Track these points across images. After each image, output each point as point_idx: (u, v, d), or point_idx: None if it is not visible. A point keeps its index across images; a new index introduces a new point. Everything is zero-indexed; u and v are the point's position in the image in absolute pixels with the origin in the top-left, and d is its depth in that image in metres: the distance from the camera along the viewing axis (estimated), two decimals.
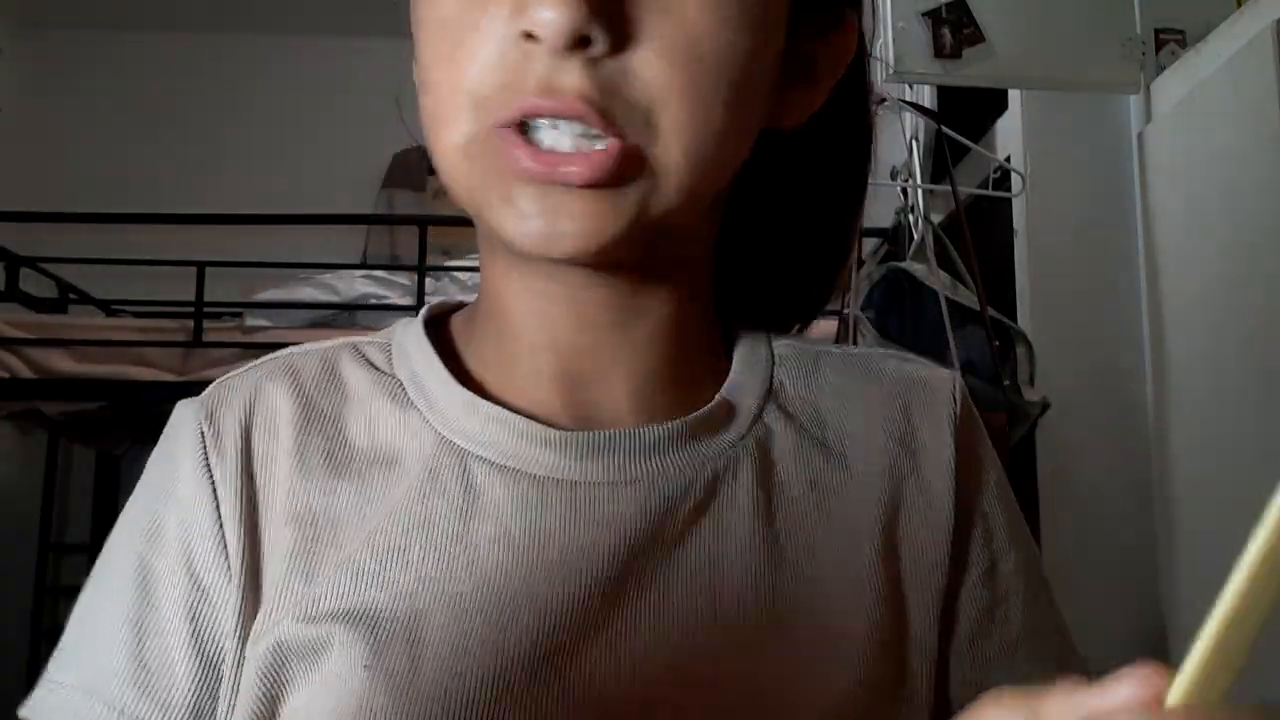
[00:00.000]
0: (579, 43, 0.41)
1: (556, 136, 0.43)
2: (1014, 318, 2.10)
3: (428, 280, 2.26)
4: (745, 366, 0.54)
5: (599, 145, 0.42)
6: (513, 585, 0.46)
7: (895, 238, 2.42)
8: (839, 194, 0.58)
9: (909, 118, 2.15)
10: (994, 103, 2.26)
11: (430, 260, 2.31)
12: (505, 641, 0.45)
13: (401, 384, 0.51)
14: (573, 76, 0.42)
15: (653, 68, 0.42)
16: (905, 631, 0.49)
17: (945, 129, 2.12)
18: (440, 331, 0.53)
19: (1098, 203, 2.16)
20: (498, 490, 0.48)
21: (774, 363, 0.55)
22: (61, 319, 2.49)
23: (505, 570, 0.46)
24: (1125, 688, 0.27)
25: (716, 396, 0.52)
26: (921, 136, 2.19)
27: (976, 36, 1.95)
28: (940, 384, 0.55)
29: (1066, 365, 2.08)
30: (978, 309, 1.77)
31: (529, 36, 0.41)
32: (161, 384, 2.08)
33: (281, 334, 2.05)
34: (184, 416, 0.51)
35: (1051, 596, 0.55)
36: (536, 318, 0.50)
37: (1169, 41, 2.08)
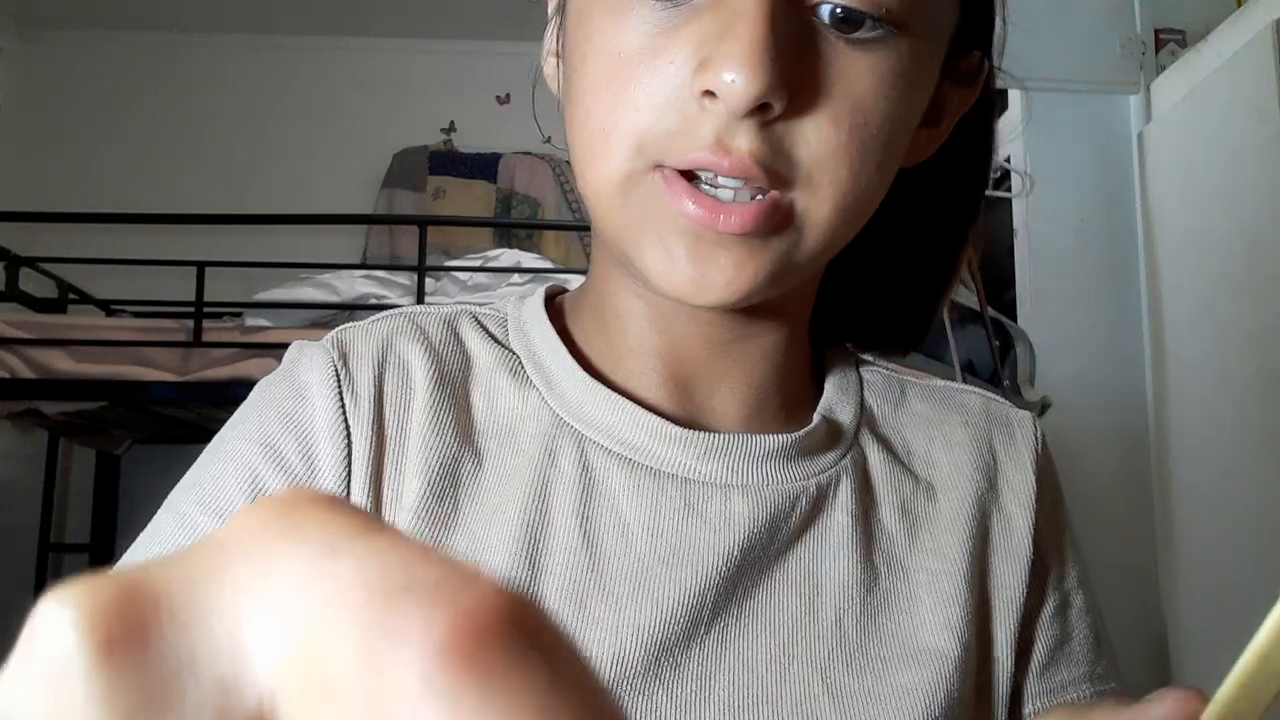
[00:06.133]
0: (759, 107, 0.41)
1: (717, 190, 0.43)
2: (1014, 318, 2.10)
3: (427, 280, 2.25)
4: (838, 389, 0.55)
5: (758, 198, 0.43)
6: (627, 571, 0.47)
7: None
8: (952, 224, 0.58)
9: None
10: None
11: (430, 260, 2.30)
12: (621, 626, 0.45)
13: (519, 360, 0.52)
14: (747, 138, 0.42)
15: (820, 131, 0.43)
16: (990, 654, 0.51)
17: None
18: (550, 313, 0.54)
19: (1098, 203, 2.16)
20: (615, 479, 0.49)
21: (863, 387, 0.56)
22: (61, 319, 2.47)
23: (620, 556, 0.47)
24: (1162, 708, 0.29)
25: (816, 416, 0.53)
26: None
27: None
28: (1023, 422, 0.57)
29: (1066, 365, 2.08)
30: (978, 309, 1.77)
31: (709, 94, 0.42)
32: (161, 384, 2.07)
33: (281, 334, 2.05)
34: (313, 355, 0.51)
35: (1111, 642, 0.57)
36: (654, 328, 0.51)
37: (1169, 41, 2.08)
